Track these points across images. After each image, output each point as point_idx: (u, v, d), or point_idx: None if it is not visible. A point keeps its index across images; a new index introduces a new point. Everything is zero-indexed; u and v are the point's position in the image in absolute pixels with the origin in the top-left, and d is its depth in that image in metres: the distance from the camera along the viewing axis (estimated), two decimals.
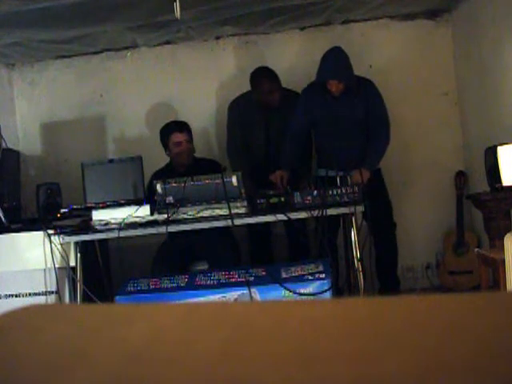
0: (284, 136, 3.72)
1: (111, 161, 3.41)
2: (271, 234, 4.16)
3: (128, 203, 3.13)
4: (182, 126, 3.70)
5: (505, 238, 2.61)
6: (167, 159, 3.79)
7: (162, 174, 3.59)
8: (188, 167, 3.62)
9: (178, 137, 3.63)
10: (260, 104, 3.90)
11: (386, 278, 3.82)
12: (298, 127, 3.68)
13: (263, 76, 3.86)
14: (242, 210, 3.04)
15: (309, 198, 3.03)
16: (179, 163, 3.64)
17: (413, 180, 4.37)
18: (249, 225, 3.72)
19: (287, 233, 4.04)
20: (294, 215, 3.02)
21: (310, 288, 2.91)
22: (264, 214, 3.04)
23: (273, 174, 3.53)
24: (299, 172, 3.76)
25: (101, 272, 3.56)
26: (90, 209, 3.16)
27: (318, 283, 2.91)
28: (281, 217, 3.01)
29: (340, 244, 3.87)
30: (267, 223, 3.53)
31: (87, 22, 3.65)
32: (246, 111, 3.99)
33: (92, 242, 3.33)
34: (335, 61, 3.51)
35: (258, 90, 3.88)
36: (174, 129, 3.67)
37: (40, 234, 3.13)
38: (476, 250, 3.31)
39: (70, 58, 4.53)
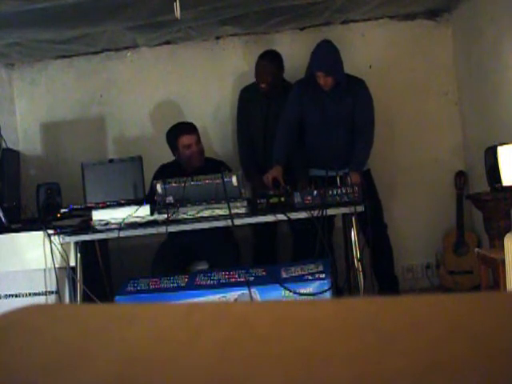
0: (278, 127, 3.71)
1: (111, 161, 3.40)
2: (276, 233, 4.16)
3: (128, 203, 3.13)
4: (189, 128, 3.65)
5: (505, 238, 2.61)
6: (168, 159, 3.78)
7: (170, 169, 3.59)
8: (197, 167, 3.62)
9: (187, 139, 3.58)
10: (260, 89, 3.95)
11: (384, 278, 3.81)
12: (290, 119, 3.65)
13: (261, 55, 3.95)
14: (242, 210, 3.04)
15: (309, 197, 3.03)
16: (191, 165, 3.59)
17: (413, 180, 4.37)
18: (253, 225, 3.73)
19: (292, 233, 4.04)
20: (294, 215, 3.02)
21: (310, 288, 2.91)
22: (264, 214, 3.04)
23: (266, 175, 3.50)
24: (295, 172, 3.76)
25: (101, 272, 3.56)
26: (89, 209, 3.16)
27: (317, 283, 2.91)
28: (281, 217, 3.01)
29: (340, 244, 3.87)
30: (272, 223, 3.53)
31: (87, 21, 3.64)
32: (250, 99, 4.05)
33: (92, 242, 3.33)
34: (322, 53, 3.51)
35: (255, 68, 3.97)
36: (182, 131, 3.61)
37: (40, 234, 3.12)
38: (476, 250, 3.31)
39: (70, 58, 4.53)
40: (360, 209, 2.99)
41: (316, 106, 3.62)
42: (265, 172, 3.53)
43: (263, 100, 3.97)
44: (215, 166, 3.48)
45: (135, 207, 3.07)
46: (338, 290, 3.49)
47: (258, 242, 4.15)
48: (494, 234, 3.34)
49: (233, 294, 2.96)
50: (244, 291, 2.93)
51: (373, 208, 3.54)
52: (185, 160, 3.60)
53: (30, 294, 3.17)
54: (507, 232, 2.72)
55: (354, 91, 3.59)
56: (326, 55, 3.51)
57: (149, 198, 3.16)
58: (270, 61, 3.91)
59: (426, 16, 4.36)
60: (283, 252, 4.19)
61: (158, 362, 0.43)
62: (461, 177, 4.21)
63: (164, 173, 3.53)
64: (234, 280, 3.03)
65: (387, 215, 3.92)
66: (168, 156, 3.79)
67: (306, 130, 3.72)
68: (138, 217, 3.06)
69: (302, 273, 3.01)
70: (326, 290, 2.88)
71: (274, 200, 3.06)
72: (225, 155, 4.22)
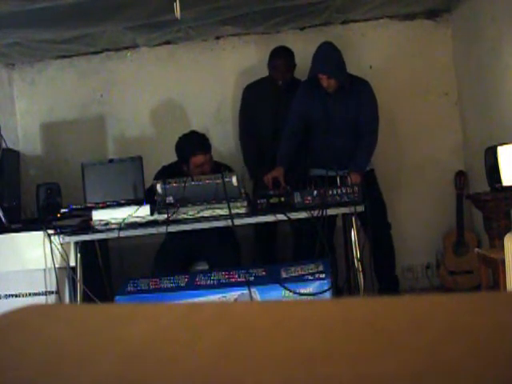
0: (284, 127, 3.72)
1: (111, 161, 3.40)
2: (276, 233, 4.16)
3: (128, 203, 3.13)
4: (204, 146, 3.47)
5: (505, 238, 2.61)
6: (167, 159, 3.78)
7: (171, 170, 3.54)
8: None
9: (200, 159, 3.43)
10: (271, 82, 3.96)
11: (385, 278, 3.81)
12: (295, 126, 3.67)
13: (277, 52, 3.97)
14: (242, 210, 3.04)
15: (309, 198, 3.03)
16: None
17: (413, 180, 4.37)
18: (254, 225, 3.73)
19: (293, 233, 4.04)
20: (294, 215, 3.02)
21: (310, 288, 2.91)
22: (264, 214, 3.04)
23: (266, 175, 3.51)
24: (296, 172, 3.76)
25: (101, 272, 3.56)
26: (89, 209, 3.16)
27: (317, 283, 2.91)
28: (281, 217, 3.01)
29: (340, 244, 3.87)
30: (273, 223, 3.53)
31: (87, 21, 3.65)
32: (257, 97, 4.05)
33: (92, 242, 3.33)
34: (323, 56, 3.51)
35: (270, 64, 3.98)
36: (196, 151, 3.43)
37: (40, 234, 3.12)
38: (476, 249, 3.31)
39: (70, 58, 4.53)
40: (360, 209, 2.99)
41: (320, 108, 3.62)
42: (273, 169, 3.53)
43: (271, 97, 3.96)
44: (219, 169, 3.37)
45: (135, 207, 3.07)
46: (338, 290, 3.49)
47: (258, 242, 4.15)
48: (494, 234, 3.34)
49: (233, 294, 2.96)
50: (244, 291, 2.93)
51: (376, 207, 3.55)
52: (194, 173, 3.40)
53: (29, 294, 3.17)
54: (507, 232, 2.72)
55: (358, 92, 3.59)
56: (328, 57, 3.51)
57: (148, 199, 3.16)
58: (287, 58, 3.93)
59: (426, 16, 4.36)
60: (283, 252, 4.19)
61: (159, 361, 0.43)
62: (461, 177, 4.21)
63: (165, 174, 3.51)
64: (234, 280, 3.03)
65: (388, 215, 3.92)
66: (168, 156, 3.79)
67: (310, 131, 3.73)
68: (138, 217, 3.06)
69: (302, 273, 3.01)
70: (325, 290, 2.88)
71: (274, 200, 3.06)
72: (226, 154, 4.22)
